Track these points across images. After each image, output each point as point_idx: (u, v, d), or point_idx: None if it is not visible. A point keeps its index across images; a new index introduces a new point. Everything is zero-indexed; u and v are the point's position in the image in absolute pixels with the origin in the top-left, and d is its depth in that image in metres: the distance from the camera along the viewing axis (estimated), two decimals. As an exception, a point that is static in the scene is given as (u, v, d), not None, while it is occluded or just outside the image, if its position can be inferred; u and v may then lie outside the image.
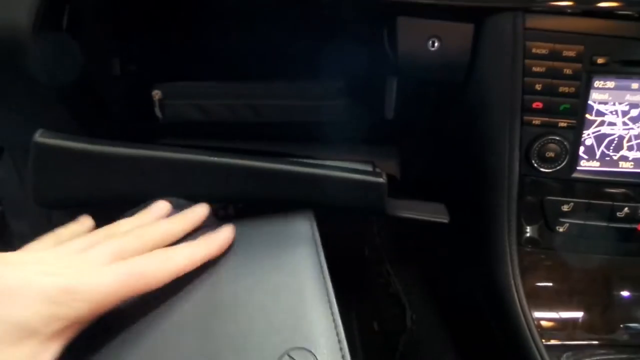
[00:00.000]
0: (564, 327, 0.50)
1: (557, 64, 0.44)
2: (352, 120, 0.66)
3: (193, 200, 0.44)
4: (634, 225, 0.48)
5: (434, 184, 0.63)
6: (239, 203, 0.52)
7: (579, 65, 0.44)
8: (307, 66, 0.61)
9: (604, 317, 0.50)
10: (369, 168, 0.48)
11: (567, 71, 0.44)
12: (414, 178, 0.67)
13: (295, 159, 0.50)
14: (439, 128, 0.59)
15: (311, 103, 0.60)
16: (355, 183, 0.46)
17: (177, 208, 0.42)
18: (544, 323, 0.49)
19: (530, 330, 0.47)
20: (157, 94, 0.61)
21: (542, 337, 0.47)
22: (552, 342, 0.48)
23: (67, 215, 0.42)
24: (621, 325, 0.50)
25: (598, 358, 0.47)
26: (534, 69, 0.45)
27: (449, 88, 0.52)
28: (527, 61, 0.45)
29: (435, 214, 0.51)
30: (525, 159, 0.47)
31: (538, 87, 0.45)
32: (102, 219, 0.40)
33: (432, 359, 0.66)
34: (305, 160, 0.49)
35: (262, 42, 0.63)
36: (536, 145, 0.46)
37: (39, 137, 0.39)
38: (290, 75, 0.61)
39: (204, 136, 0.60)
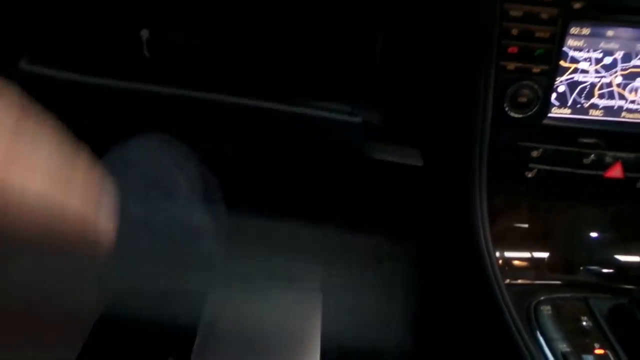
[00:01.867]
0: (526, 267, 0.52)
1: (534, 8, 0.45)
2: (337, 68, 0.67)
3: (178, 135, 0.45)
4: (600, 172, 0.50)
5: (414, 132, 0.64)
6: (223, 140, 0.54)
7: (555, 10, 0.45)
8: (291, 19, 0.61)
9: (566, 259, 0.53)
10: (346, 109, 0.50)
11: (544, 16, 0.45)
12: (397, 126, 0.68)
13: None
14: (421, 75, 0.60)
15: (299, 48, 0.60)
16: (332, 121, 0.47)
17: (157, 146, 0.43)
18: (507, 263, 0.52)
19: (493, 269, 0.49)
20: (145, 33, 0.62)
21: (505, 276, 0.50)
22: (514, 281, 0.51)
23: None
24: (581, 268, 0.52)
25: (557, 295, 0.50)
26: (512, 12, 0.45)
27: (429, 34, 0.52)
28: (505, 5, 0.45)
29: (408, 158, 0.52)
30: (498, 104, 0.48)
31: (514, 31, 0.46)
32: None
33: (410, 304, 0.69)
34: (284, 99, 0.50)
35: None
36: (509, 91, 0.47)
37: (26, 65, 0.40)
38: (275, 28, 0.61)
39: (189, 76, 0.61)
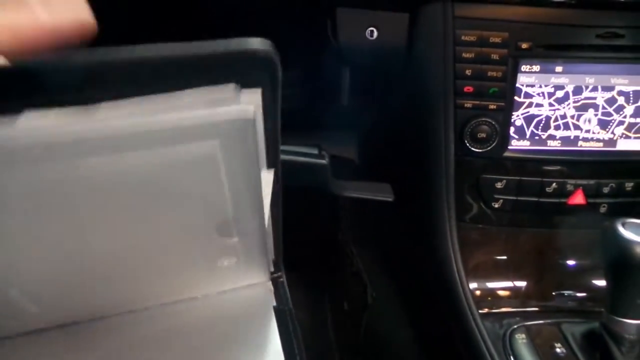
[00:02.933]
0: (499, 296, 0.53)
1: (485, 50, 0.47)
2: (311, 107, 0.69)
3: None
4: (562, 200, 0.51)
5: (385, 167, 0.66)
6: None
7: (505, 51, 0.47)
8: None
9: (538, 285, 0.54)
10: (314, 151, 0.51)
11: (495, 56, 0.47)
12: (370, 161, 0.70)
13: None
14: (387, 113, 0.62)
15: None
16: (299, 165, 0.49)
17: None
18: (480, 293, 0.53)
19: (467, 300, 0.50)
20: None
21: (478, 306, 0.51)
22: (489, 310, 0.52)
23: None
24: (553, 293, 0.53)
25: (531, 323, 0.51)
26: (464, 55, 0.48)
27: (391, 75, 0.55)
28: (457, 48, 0.48)
29: (380, 193, 0.54)
30: (460, 140, 0.50)
31: (468, 72, 0.48)
32: None
33: (391, 334, 0.69)
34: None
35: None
36: (468, 127, 0.49)
37: None
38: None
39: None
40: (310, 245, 0.92)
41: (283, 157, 0.50)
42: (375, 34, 0.49)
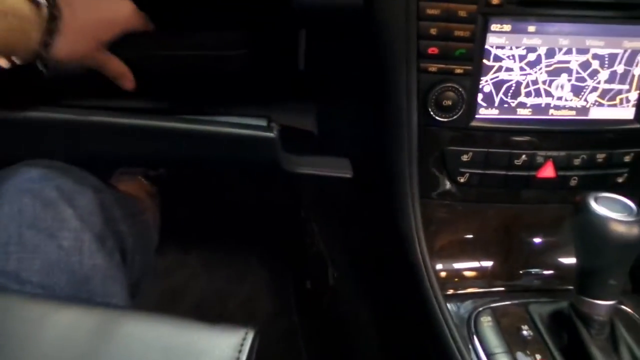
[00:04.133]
0: (465, 277, 0.50)
1: (451, 5, 0.42)
2: (261, 73, 0.63)
3: (81, 161, 0.41)
4: (532, 173, 0.48)
5: (346, 139, 0.61)
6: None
7: (473, 7, 0.42)
8: (203, 15, 0.56)
9: (505, 264, 0.51)
10: (263, 123, 0.46)
11: (462, 13, 0.42)
12: (329, 133, 0.65)
13: (186, 117, 0.47)
14: (345, 79, 0.57)
15: (208, 53, 0.56)
16: (245, 138, 0.43)
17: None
18: (445, 274, 0.49)
19: (430, 282, 0.47)
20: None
21: (443, 288, 0.48)
22: (454, 291, 0.49)
23: None
24: (520, 271, 0.51)
25: (497, 304, 0.48)
26: (428, 11, 0.42)
27: (349, 36, 0.49)
28: (420, 3, 0.42)
29: (337, 169, 0.49)
30: (423, 108, 0.45)
31: (433, 31, 0.43)
32: None
33: (351, 315, 0.66)
34: (195, 117, 0.46)
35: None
36: (433, 93, 0.44)
37: None
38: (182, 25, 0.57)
39: (88, 92, 0.56)
40: (271, 223, 0.87)
41: (225, 129, 0.44)
42: (331, -13, 0.44)
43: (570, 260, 0.50)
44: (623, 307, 0.47)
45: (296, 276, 0.87)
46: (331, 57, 0.60)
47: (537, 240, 0.51)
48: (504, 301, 0.48)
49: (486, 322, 0.45)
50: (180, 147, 0.46)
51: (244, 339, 0.25)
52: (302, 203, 0.83)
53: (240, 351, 0.25)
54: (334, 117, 0.65)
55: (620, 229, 0.37)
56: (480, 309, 0.46)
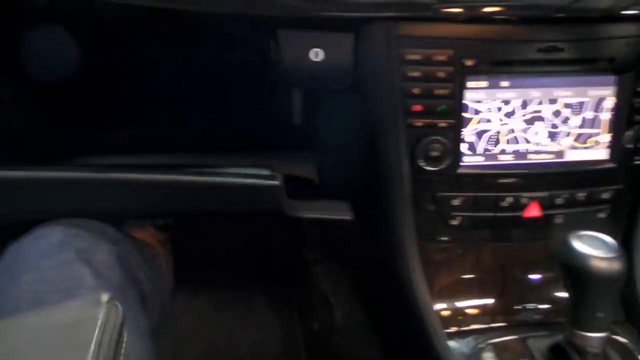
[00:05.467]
0: (465, 314, 0.52)
1: (430, 68, 0.47)
2: (264, 129, 0.67)
3: (94, 216, 0.44)
4: (518, 213, 0.51)
5: (345, 185, 0.65)
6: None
7: (451, 69, 0.47)
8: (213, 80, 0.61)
9: (502, 301, 0.53)
10: (266, 172, 0.49)
11: (441, 74, 0.47)
12: (329, 180, 0.69)
13: (191, 169, 0.50)
14: (340, 132, 0.61)
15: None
16: (249, 187, 0.47)
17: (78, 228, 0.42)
18: (446, 313, 0.52)
19: (432, 322, 0.49)
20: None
21: (445, 326, 0.50)
22: (457, 329, 0.51)
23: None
24: (518, 307, 0.53)
25: (497, 340, 0.50)
26: (410, 74, 0.47)
27: (340, 95, 0.53)
28: (403, 67, 0.47)
29: (338, 212, 0.52)
30: (412, 159, 0.49)
31: (416, 91, 0.47)
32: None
33: (359, 355, 0.68)
34: (201, 170, 0.50)
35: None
36: (420, 146, 0.48)
37: None
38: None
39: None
40: (276, 266, 0.89)
41: (231, 180, 0.48)
42: (321, 55, 0.48)
43: (564, 294, 0.53)
44: (617, 337, 0.49)
45: (303, 317, 0.88)
46: (325, 112, 0.64)
47: (531, 276, 0.54)
48: (504, 336, 0.50)
49: (488, 358, 0.48)
50: (188, 199, 0.49)
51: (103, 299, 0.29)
52: (305, 245, 0.86)
53: None
54: (332, 165, 0.69)
55: (602, 265, 0.40)
56: (482, 345, 0.48)
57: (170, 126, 0.63)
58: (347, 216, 0.52)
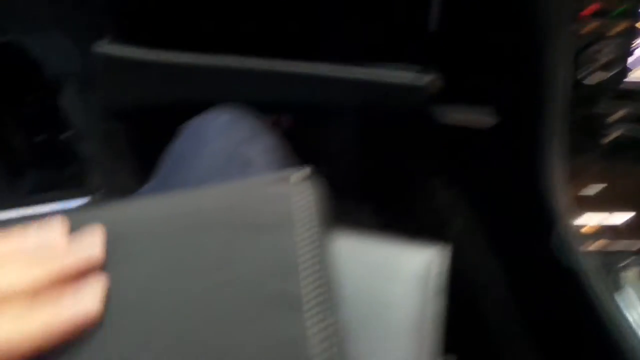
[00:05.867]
0: (605, 233, 0.51)
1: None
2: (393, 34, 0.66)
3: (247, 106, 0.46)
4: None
5: (480, 95, 0.62)
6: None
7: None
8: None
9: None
10: (415, 72, 0.48)
11: (625, -27, 0.42)
12: (460, 91, 0.67)
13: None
14: (485, 40, 0.58)
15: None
16: (398, 86, 0.46)
17: (232, 119, 0.45)
18: (586, 229, 0.51)
19: (570, 236, 0.49)
20: None
21: (582, 243, 0.49)
22: (594, 247, 0.50)
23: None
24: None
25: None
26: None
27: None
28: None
29: (480, 118, 0.51)
30: (572, 68, 0.46)
31: (593, -10, 0.43)
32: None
33: (476, 268, 0.68)
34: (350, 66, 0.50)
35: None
36: (584, 55, 0.45)
37: (102, 46, 0.42)
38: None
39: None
40: (387, 177, 0.89)
41: (380, 74, 0.47)
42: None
43: None
44: None
45: (403, 231, 0.90)
46: (466, 18, 0.61)
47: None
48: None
49: (629, 277, 0.47)
50: (338, 94, 0.49)
51: (436, 256, 0.27)
52: (426, 156, 0.84)
53: (431, 266, 0.26)
54: (465, 74, 0.66)
55: None
56: (623, 264, 0.47)
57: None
58: (490, 122, 0.51)
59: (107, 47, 0.43)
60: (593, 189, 0.51)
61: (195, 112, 0.47)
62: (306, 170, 0.27)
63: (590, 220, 0.50)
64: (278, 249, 0.23)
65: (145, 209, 0.27)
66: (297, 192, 0.25)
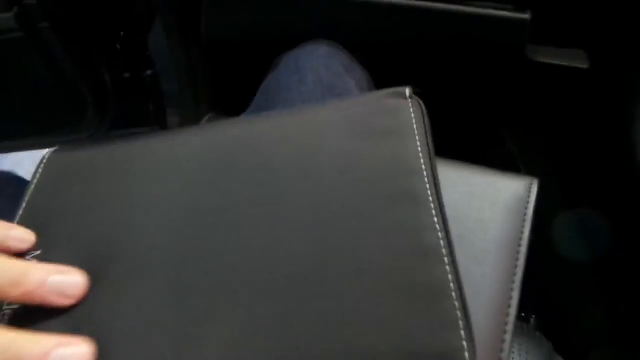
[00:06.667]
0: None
1: None
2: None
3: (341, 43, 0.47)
4: None
5: (572, 35, 0.59)
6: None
7: None
8: None
9: None
10: (512, 7, 0.47)
11: None
12: (551, 31, 0.64)
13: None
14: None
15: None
16: (497, 19, 0.45)
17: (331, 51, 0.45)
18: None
19: None
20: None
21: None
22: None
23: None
24: None
25: None
26: None
27: None
28: None
29: (575, 60, 0.49)
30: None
31: None
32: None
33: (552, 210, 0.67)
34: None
35: None
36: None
37: None
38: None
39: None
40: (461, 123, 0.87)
41: (476, 9, 0.46)
42: None
43: None
44: None
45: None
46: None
47: None
48: None
49: None
50: (429, 28, 0.49)
51: (526, 186, 0.29)
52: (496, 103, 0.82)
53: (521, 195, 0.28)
54: (558, 13, 0.63)
55: None
56: None
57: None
58: (584, 65, 0.49)
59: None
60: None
61: (288, 46, 0.48)
62: (410, 89, 0.28)
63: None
64: (402, 152, 0.25)
65: (256, 124, 0.29)
66: (413, 104, 0.27)
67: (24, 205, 0.26)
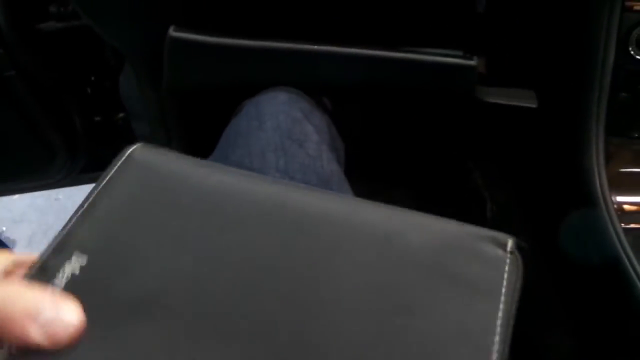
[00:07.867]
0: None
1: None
2: (439, 16, 0.67)
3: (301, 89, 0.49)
4: None
5: (525, 75, 0.63)
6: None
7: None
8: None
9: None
10: (460, 53, 0.50)
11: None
12: (504, 71, 0.67)
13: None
14: (533, 18, 0.58)
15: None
16: (446, 66, 0.48)
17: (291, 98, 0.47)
18: (625, 207, 0.52)
19: (609, 213, 0.50)
20: None
21: (621, 221, 0.50)
22: (633, 225, 0.51)
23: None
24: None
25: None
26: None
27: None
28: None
29: (524, 99, 0.52)
30: (622, 46, 0.47)
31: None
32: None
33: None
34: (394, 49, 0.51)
35: None
36: (635, 32, 0.45)
37: (173, 32, 0.46)
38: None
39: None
40: (424, 160, 0.90)
41: (425, 57, 0.49)
42: None
43: None
44: None
45: (442, 214, 0.91)
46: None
47: None
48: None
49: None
50: (382, 75, 0.50)
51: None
52: (456, 140, 0.86)
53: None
54: (509, 54, 0.67)
55: None
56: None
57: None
58: (533, 104, 0.52)
59: (175, 33, 0.46)
60: (633, 169, 0.51)
61: (251, 93, 0.49)
62: (519, 241, 0.25)
63: (628, 198, 0.51)
64: (479, 314, 0.22)
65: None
66: (511, 261, 0.24)
67: (90, 199, 0.24)
